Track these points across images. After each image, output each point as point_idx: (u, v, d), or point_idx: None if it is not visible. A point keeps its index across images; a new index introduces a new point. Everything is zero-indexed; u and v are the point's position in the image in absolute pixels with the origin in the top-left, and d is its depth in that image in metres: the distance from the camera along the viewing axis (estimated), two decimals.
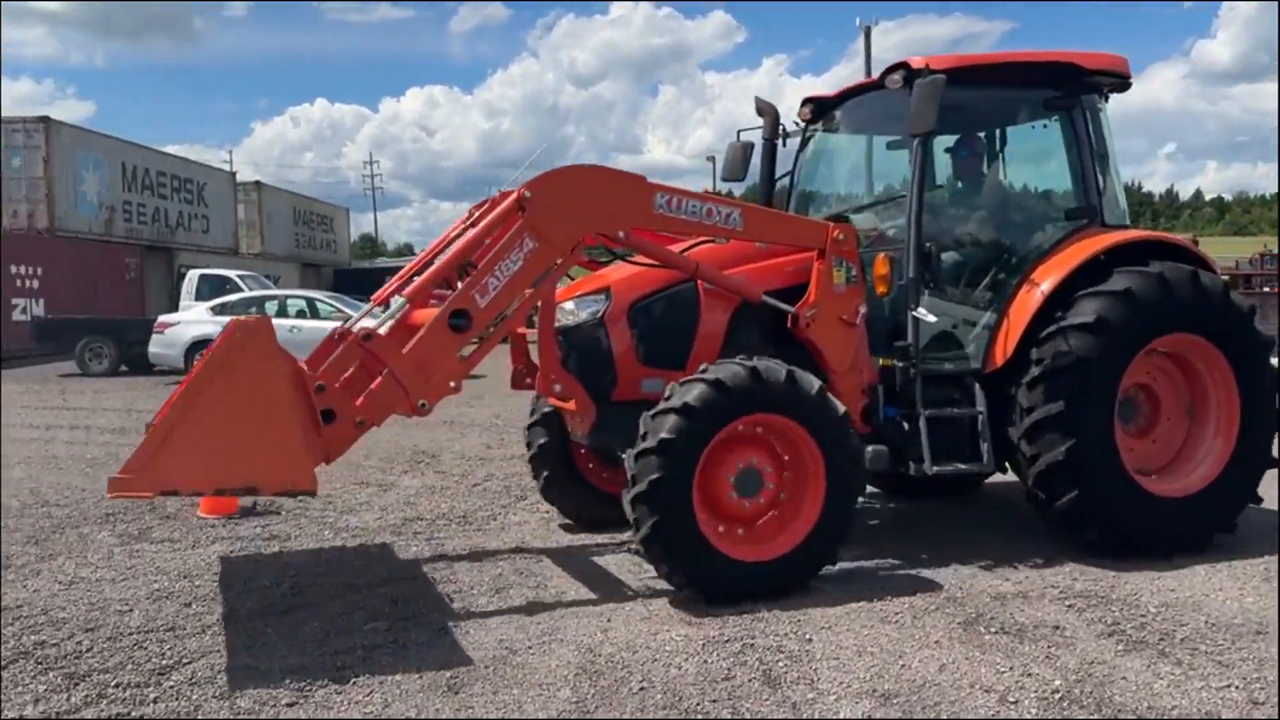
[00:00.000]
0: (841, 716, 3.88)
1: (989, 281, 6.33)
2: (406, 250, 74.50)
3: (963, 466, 6.02)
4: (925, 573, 5.72)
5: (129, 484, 4.38)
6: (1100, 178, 6.39)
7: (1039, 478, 5.78)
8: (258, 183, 48.28)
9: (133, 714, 3.91)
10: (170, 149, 41.85)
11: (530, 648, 4.61)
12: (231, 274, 26.69)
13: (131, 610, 5.22)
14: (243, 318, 4.76)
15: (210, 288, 24.89)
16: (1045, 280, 6.00)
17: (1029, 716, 3.87)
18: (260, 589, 5.58)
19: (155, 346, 19.28)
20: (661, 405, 5.14)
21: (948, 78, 5.80)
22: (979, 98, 6.52)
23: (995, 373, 6.03)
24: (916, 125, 5.79)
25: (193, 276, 26.43)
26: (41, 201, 30.16)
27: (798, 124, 7.23)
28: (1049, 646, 4.56)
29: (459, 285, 5.41)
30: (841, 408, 5.38)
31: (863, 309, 5.98)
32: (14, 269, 27.45)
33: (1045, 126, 6.63)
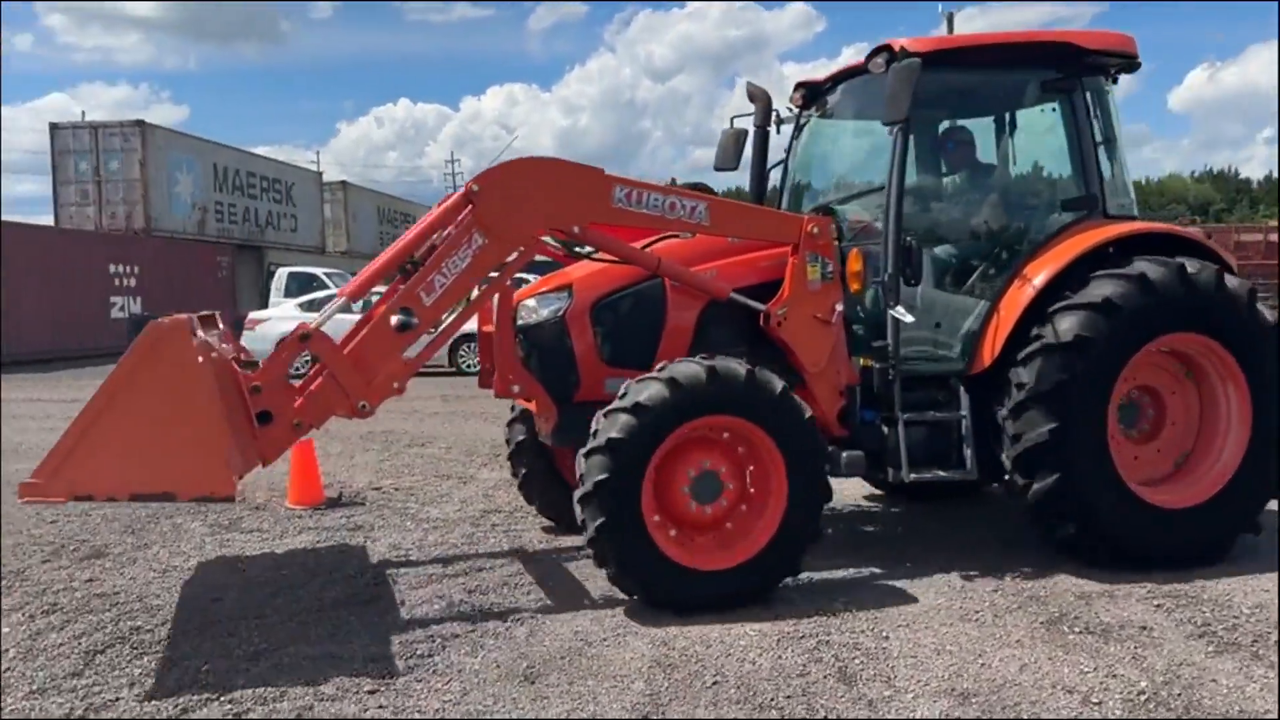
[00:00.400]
0: (918, 715, 3.83)
1: (979, 277, 6.02)
2: None
3: (943, 474, 5.68)
4: (1006, 571, 5.60)
5: (39, 489, 4.27)
6: (1104, 165, 6.03)
7: (1034, 508, 5.50)
8: (343, 182, 49.43)
9: (220, 698, 4.04)
10: (259, 150, 43.08)
11: (605, 640, 4.65)
12: (319, 271, 27.39)
13: (221, 598, 5.39)
14: (160, 319, 4.50)
15: (299, 285, 25.57)
16: (1036, 276, 5.64)
17: (1113, 718, 3.78)
18: (344, 578, 5.72)
19: (246, 342, 19.79)
20: (614, 404, 4.97)
21: (933, 61, 5.58)
22: (969, 81, 6.23)
23: (983, 374, 5.71)
24: (889, 113, 5.51)
25: (282, 274, 27.16)
26: (138, 203, 31.31)
27: (791, 110, 6.91)
28: (1136, 647, 4.44)
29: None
30: (807, 411, 5.13)
31: (839, 306, 5.68)
32: (112, 268, 28.52)
33: (1043, 112, 6.32)
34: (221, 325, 5.78)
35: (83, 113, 34.96)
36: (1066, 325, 5.36)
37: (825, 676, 4.19)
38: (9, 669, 4.42)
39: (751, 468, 5.17)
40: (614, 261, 5.68)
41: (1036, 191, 6.50)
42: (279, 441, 5.02)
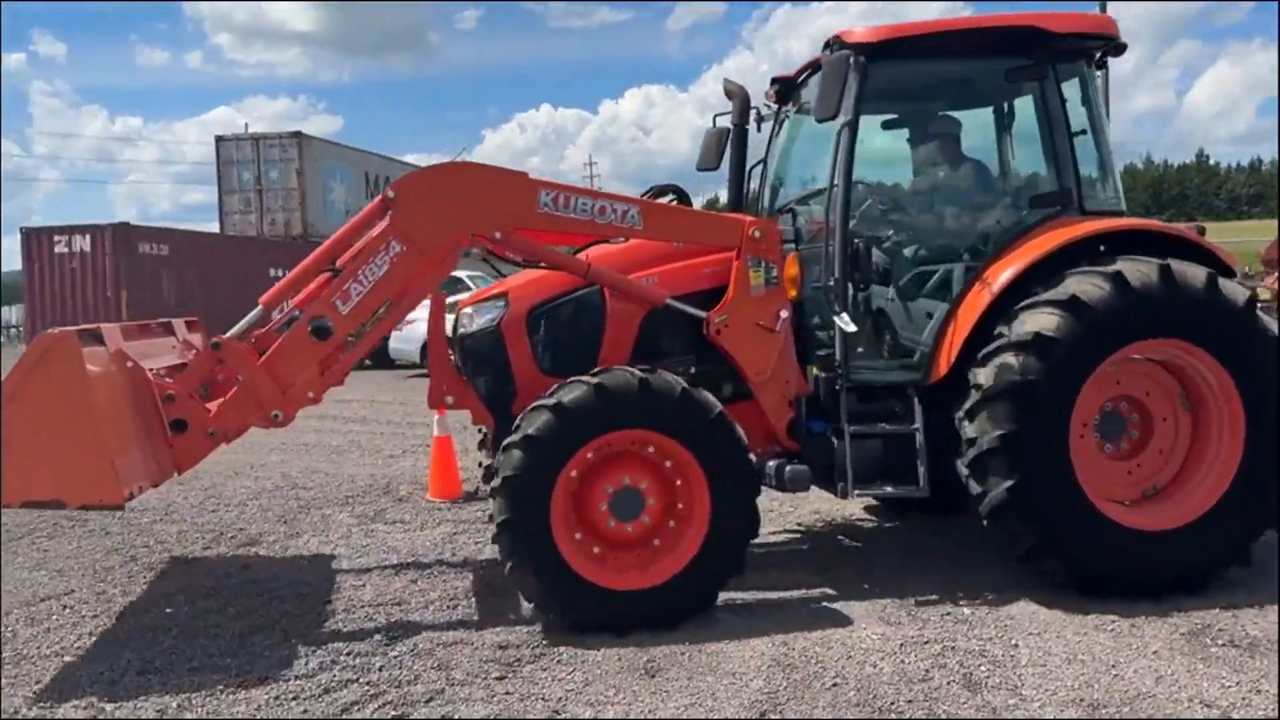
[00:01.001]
0: None
1: (938, 281, 5.63)
2: None
3: (890, 489, 5.39)
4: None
5: None
6: (1091, 157, 5.65)
7: (988, 518, 5.10)
8: None
9: (360, 679, 4.28)
10: (409, 158, 44.72)
11: (727, 637, 4.68)
12: (463, 274, 28.19)
13: (364, 585, 5.68)
14: (49, 332, 4.52)
15: (444, 287, 26.38)
16: (996, 279, 5.21)
17: None
18: (478, 569, 5.94)
19: (394, 342, 20.60)
20: (539, 400, 4.81)
21: (884, 51, 5.33)
22: (928, 72, 5.83)
23: (942, 383, 5.31)
24: (819, 110, 5.19)
25: None
26: (296, 210, 32.92)
27: (770, 106, 6.56)
28: None
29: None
30: (742, 437, 4.90)
31: (784, 313, 5.39)
32: (272, 272, 30.05)
33: (1011, 102, 5.98)
34: (181, 334, 5.78)
35: (246, 125, 37.27)
36: (1028, 323, 4.95)
37: (949, 683, 4.13)
38: (171, 646, 4.79)
39: (679, 482, 4.92)
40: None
41: (1004, 188, 6.03)
42: (194, 450, 5.00)
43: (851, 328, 5.34)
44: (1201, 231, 5.65)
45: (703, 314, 5.36)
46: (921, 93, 6.15)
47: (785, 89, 6.43)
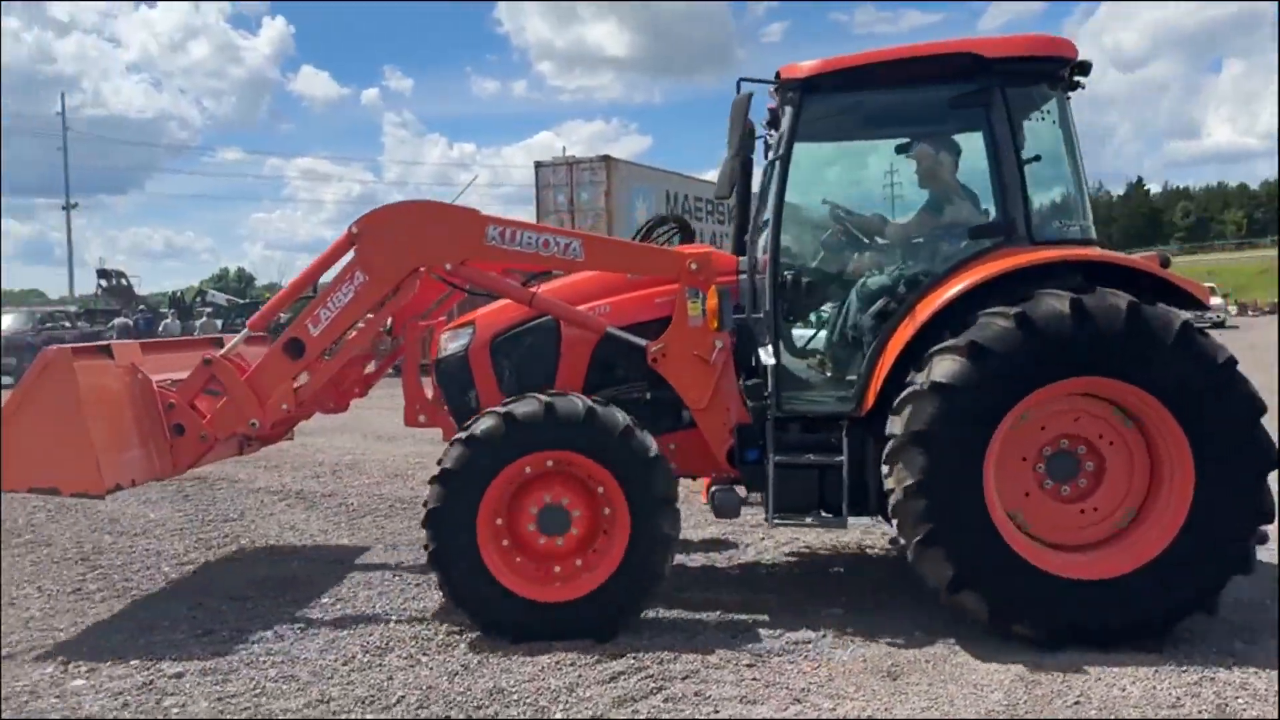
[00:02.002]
0: None
1: (876, 312, 5.43)
2: None
3: (807, 520, 5.38)
4: None
5: None
6: (1068, 183, 5.45)
7: (912, 562, 4.95)
8: None
9: (628, 654, 4.79)
10: (707, 176, 46.02)
11: (974, 648, 4.81)
12: None
13: None
14: (49, 349, 5.39)
15: None
16: (921, 315, 5.04)
17: None
18: (741, 568, 6.34)
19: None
20: (455, 435, 5.14)
21: (821, 84, 5.35)
22: (870, 102, 5.71)
23: (872, 416, 5.18)
24: (728, 147, 5.40)
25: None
26: (603, 229, 34.97)
27: (770, 133, 6.31)
28: None
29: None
30: (652, 450, 4.99)
31: (720, 344, 5.45)
32: None
33: (960, 129, 5.69)
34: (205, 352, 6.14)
35: (564, 148, 39.90)
36: (933, 370, 4.82)
37: (1200, 711, 4.07)
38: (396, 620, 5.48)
39: (602, 501, 5.12)
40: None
41: (966, 217, 5.65)
42: (189, 451, 5.74)
43: (771, 360, 5.39)
44: (1165, 262, 5.20)
45: (643, 343, 5.54)
46: (871, 123, 6.10)
47: (774, 118, 6.31)
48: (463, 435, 5.08)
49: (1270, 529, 4.87)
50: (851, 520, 5.37)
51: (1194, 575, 4.76)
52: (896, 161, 6.08)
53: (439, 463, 5.08)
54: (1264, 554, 6.25)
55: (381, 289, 5.67)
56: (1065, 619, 4.77)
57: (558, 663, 4.73)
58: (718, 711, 4.21)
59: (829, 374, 5.78)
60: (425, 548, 5.06)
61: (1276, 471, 4.76)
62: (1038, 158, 5.47)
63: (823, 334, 5.90)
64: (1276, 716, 3.82)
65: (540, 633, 4.97)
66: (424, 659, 4.87)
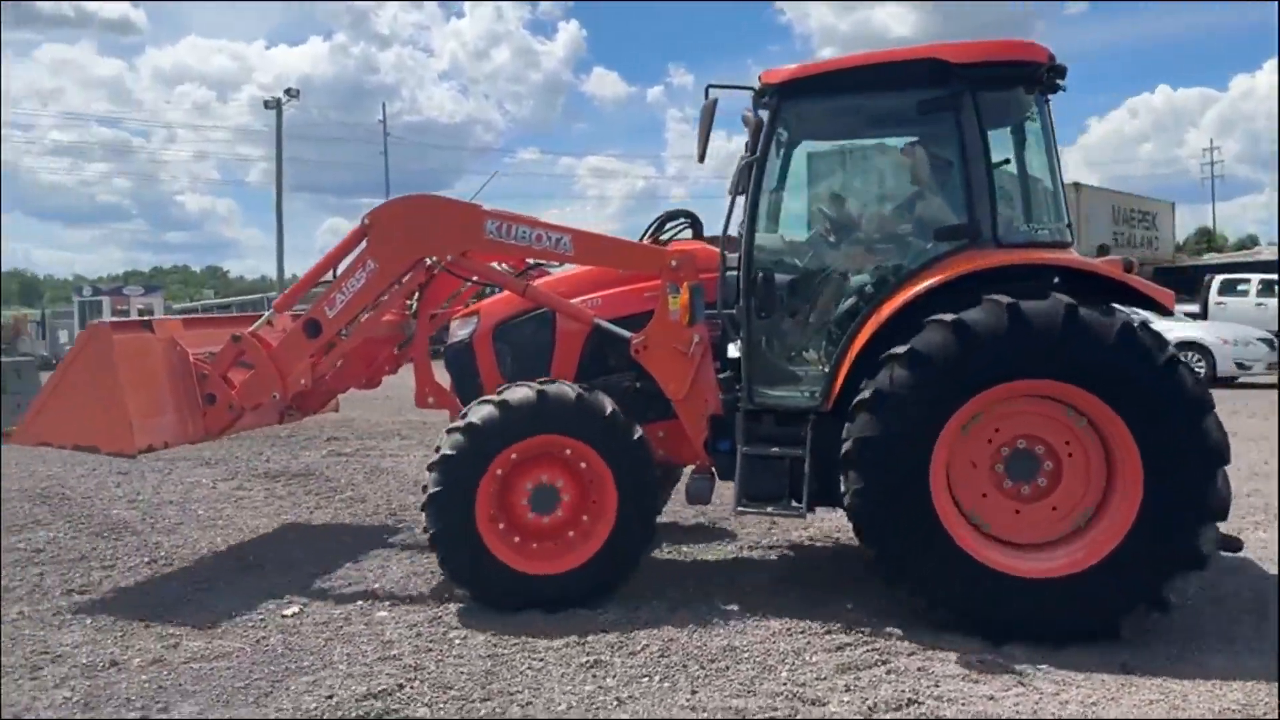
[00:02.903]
0: None
1: (844, 311, 5.66)
2: (1249, 242, 65.04)
3: (770, 509, 5.59)
4: None
5: (17, 436, 6.10)
6: (1047, 186, 5.56)
7: (871, 561, 5.20)
8: (1076, 184, 48.09)
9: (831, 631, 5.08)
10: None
11: (1217, 651, 4.77)
12: None
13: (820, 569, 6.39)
14: (92, 323, 6.10)
15: None
16: (882, 315, 5.21)
17: None
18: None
19: None
20: (453, 423, 5.53)
21: (794, 89, 5.54)
22: (841, 107, 5.86)
23: (834, 411, 5.36)
24: (698, 149, 5.65)
25: None
26: None
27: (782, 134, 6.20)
28: None
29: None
30: (636, 432, 5.45)
31: (697, 338, 5.69)
32: None
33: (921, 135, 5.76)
34: (279, 323, 6.70)
35: None
36: (875, 379, 5.00)
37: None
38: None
39: (590, 481, 5.51)
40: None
41: (915, 220, 5.75)
42: (219, 420, 6.30)
43: (735, 354, 5.76)
44: (1129, 267, 5.24)
45: (628, 335, 5.83)
46: (848, 127, 6.24)
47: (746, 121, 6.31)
48: (460, 423, 5.47)
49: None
50: (817, 511, 5.67)
51: (1143, 572, 4.82)
52: (884, 163, 6.28)
53: (437, 449, 5.49)
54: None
55: (389, 277, 6.19)
56: (1012, 616, 4.90)
57: (788, 629, 5.10)
58: (937, 685, 4.39)
59: (798, 369, 5.96)
60: (424, 530, 5.50)
61: None
62: (1006, 161, 5.62)
63: (794, 329, 6.03)
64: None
65: (536, 603, 5.37)
66: (671, 615, 5.34)
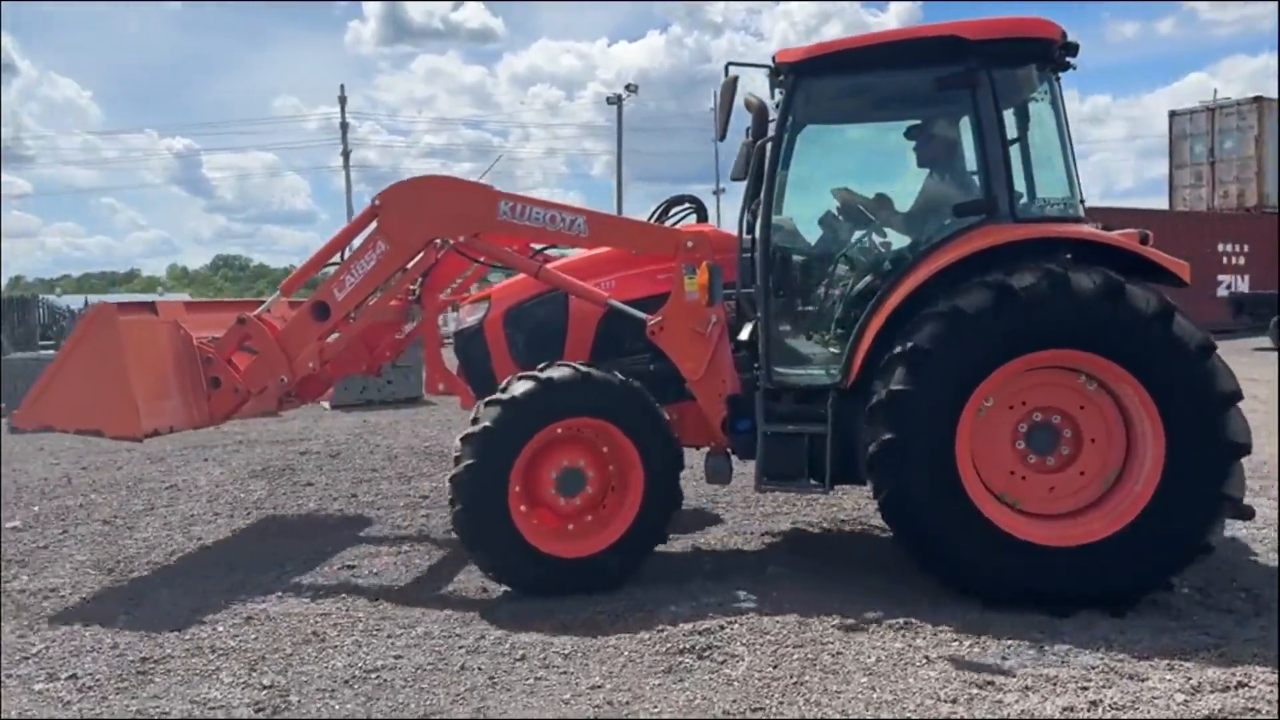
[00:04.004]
0: None
1: (863, 289, 5.69)
2: None
3: (792, 486, 5.69)
4: None
5: (20, 419, 6.02)
6: (1061, 163, 5.54)
7: (884, 513, 5.27)
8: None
9: (934, 629, 4.93)
10: None
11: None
12: None
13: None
14: (97, 303, 5.74)
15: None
16: (903, 289, 5.25)
17: None
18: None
19: None
20: (494, 395, 5.39)
21: (811, 68, 5.51)
22: (860, 85, 5.82)
23: (857, 387, 5.37)
24: (716, 128, 5.70)
25: None
26: (1251, 180, 31.00)
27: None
28: None
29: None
30: (665, 416, 5.54)
31: (715, 318, 5.72)
32: (1221, 246, 28.79)
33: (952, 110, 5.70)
34: (279, 310, 6.60)
35: (1215, 90, 35.19)
36: (913, 335, 5.02)
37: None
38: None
39: (612, 465, 5.58)
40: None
41: (935, 196, 5.75)
42: (225, 403, 6.20)
43: (745, 336, 5.91)
44: (1145, 239, 5.36)
45: (644, 316, 5.84)
46: (863, 106, 6.17)
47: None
48: (503, 396, 5.38)
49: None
50: (837, 488, 5.75)
51: (1155, 552, 4.92)
52: (900, 142, 6.15)
53: (475, 420, 5.41)
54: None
55: (400, 258, 6.10)
56: (1024, 582, 4.99)
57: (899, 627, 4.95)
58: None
59: (817, 347, 5.97)
60: (451, 503, 5.41)
61: None
62: (1016, 140, 5.59)
63: (812, 308, 6.03)
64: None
65: (563, 587, 5.40)
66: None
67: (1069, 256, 5.21)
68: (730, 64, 5.70)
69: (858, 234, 6.06)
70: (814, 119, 6.08)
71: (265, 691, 4.41)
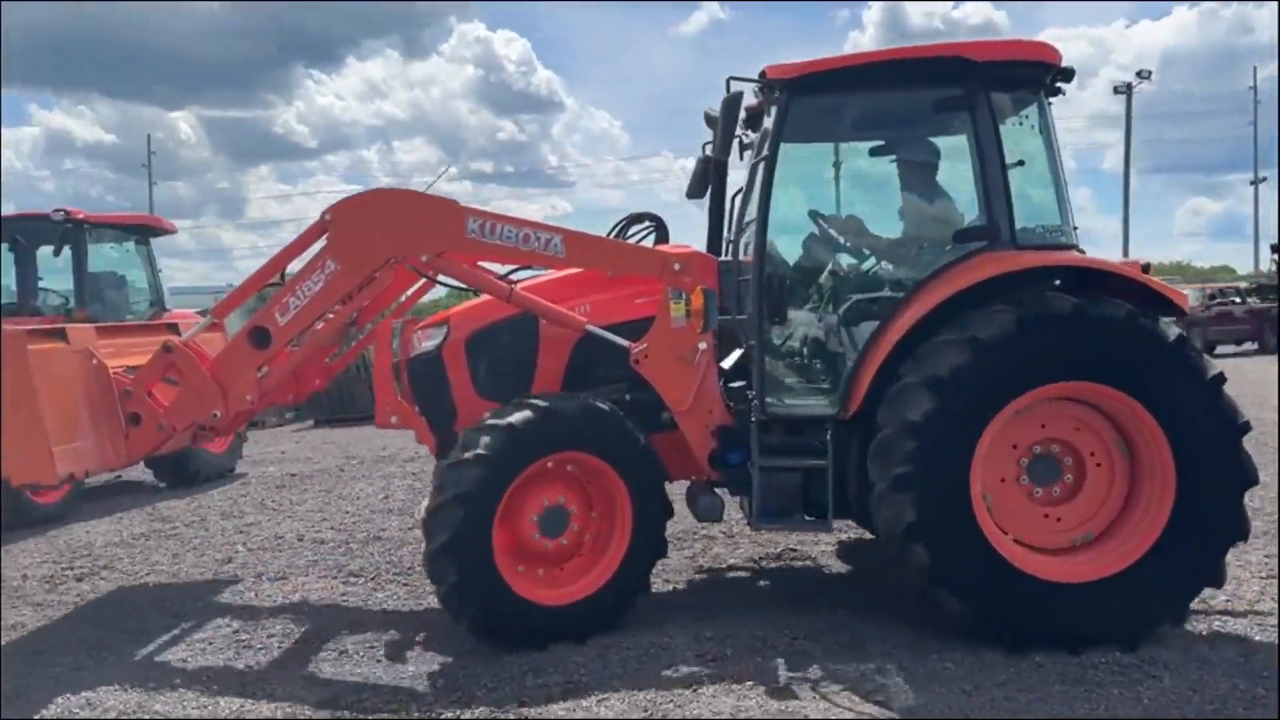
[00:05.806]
0: None
1: (862, 315, 5.50)
2: None
3: (794, 526, 5.57)
4: None
5: None
6: (1056, 189, 5.43)
7: (894, 557, 5.07)
8: None
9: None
10: None
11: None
12: None
13: None
14: (5, 330, 5.16)
15: None
16: (906, 317, 5.07)
17: None
18: None
19: None
20: (488, 421, 5.04)
21: (806, 86, 5.26)
22: (857, 104, 5.69)
23: (858, 418, 5.19)
24: (716, 149, 5.46)
25: None
26: None
27: (746, 135, 6.18)
28: None
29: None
30: (650, 446, 5.21)
31: (703, 345, 5.43)
32: None
33: (953, 131, 5.60)
34: (198, 332, 5.93)
35: None
36: (926, 364, 4.86)
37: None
38: None
39: (597, 501, 5.27)
40: None
41: (934, 221, 5.60)
42: (145, 441, 5.65)
43: (727, 364, 5.69)
44: (1146, 268, 5.32)
45: (626, 343, 5.47)
46: (856, 125, 5.99)
47: (752, 118, 6.15)
48: (499, 422, 5.01)
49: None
50: (835, 523, 5.43)
51: (1167, 586, 4.90)
52: (876, 163, 6.03)
53: (464, 449, 4.99)
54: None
55: (353, 279, 5.54)
56: (1040, 622, 4.85)
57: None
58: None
59: (814, 376, 5.78)
60: (429, 534, 4.97)
61: None
62: (1020, 163, 5.42)
63: (807, 336, 5.87)
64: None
65: (549, 636, 5.05)
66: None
67: (1058, 283, 5.16)
68: (732, 78, 5.32)
69: (852, 259, 5.86)
70: (805, 137, 5.90)
71: None
